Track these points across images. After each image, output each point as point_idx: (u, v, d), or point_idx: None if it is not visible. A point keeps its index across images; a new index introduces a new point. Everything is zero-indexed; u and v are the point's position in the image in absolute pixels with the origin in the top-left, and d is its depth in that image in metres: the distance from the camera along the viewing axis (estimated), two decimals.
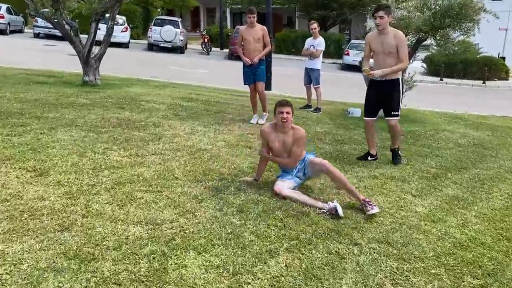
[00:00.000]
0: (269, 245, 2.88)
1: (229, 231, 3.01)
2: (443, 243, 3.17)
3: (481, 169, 5.21)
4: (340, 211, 3.39)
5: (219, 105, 7.85)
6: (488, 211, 3.89)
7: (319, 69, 8.24)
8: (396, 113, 4.89)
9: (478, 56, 22.09)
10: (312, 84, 8.32)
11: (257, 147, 5.01)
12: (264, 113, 6.76)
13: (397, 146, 5.16)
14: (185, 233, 2.93)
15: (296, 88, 10.66)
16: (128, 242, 2.74)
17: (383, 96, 4.89)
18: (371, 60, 5.03)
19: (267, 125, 4.06)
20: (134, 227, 2.95)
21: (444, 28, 7.96)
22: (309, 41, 8.31)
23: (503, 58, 23.45)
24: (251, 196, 3.63)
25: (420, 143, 6.33)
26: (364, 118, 5.10)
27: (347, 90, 12.92)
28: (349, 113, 8.15)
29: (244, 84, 6.77)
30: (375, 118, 5.06)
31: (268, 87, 12.02)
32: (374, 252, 2.93)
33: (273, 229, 3.09)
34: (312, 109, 8.33)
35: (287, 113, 3.83)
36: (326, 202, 3.55)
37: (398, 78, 4.84)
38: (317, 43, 8.15)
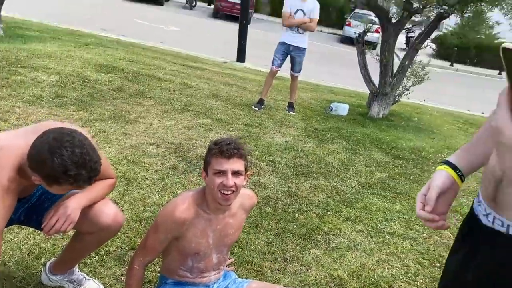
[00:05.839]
0: None
1: None
2: None
3: None
4: None
5: (148, 81, 5.46)
6: None
7: (305, 49, 5.27)
8: None
9: (496, 41, 19.52)
10: (291, 70, 5.38)
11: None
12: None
13: None
14: None
15: None
16: None
17: None
18: None
19: (185, 206, 1.61)
20: None
21: (478, 1, 5.61)
22: (295, 3, 5.12)
23: None
24: None
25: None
26: None
27: (340, 68, 10.54)
28: (331, 109, 5.86)
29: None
30: None
31: (241, 57, 9.67)
32: None
33: None
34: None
35: (236, 174, 1.56)
36: None
37: None
38: (311, 7, 5.12)
